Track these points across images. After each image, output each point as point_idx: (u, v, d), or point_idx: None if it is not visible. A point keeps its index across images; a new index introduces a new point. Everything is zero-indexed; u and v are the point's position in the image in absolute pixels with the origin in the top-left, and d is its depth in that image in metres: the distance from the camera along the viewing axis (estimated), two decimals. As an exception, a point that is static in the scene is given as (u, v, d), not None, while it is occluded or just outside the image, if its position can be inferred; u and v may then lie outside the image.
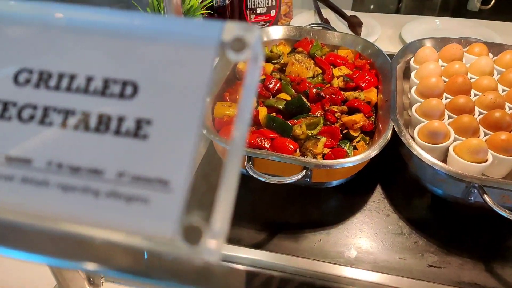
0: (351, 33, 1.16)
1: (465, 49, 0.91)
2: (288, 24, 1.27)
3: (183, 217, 0.18)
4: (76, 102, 0.21)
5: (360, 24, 1.19)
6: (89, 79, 0.22)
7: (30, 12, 0.23)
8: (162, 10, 1.06)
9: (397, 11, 1.98)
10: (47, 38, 0.23)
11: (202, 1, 1.07)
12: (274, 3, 1.21)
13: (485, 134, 0.68)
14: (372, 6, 1.91)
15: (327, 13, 1.27)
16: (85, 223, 0.19)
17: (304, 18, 1.27)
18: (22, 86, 0.22)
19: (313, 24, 1.09)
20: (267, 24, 1.24)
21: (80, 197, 0.20)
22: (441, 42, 0.93)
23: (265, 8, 1.21)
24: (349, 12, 1.25)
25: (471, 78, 0.82)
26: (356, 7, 1.42)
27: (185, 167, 0.19)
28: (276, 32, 1.01)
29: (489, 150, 0.64)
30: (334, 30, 1.05)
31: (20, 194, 0.20)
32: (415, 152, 0.64)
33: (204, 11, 1.07)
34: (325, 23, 1.19)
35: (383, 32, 1.19)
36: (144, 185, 0.19)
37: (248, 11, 1.21)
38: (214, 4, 1.13)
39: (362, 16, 1.22)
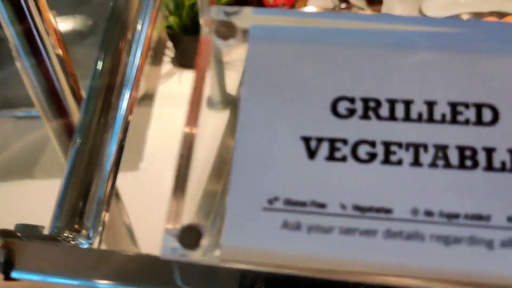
0: (375, 11, 1.13)
1: (502, 23, 0.91)
2: (305, 6, 1.23)
3: None
4: (422, 133, 0.18)
5: (380, 1, 1.17)
6: (430, 104, 0.18)
7: (345, 28, 0.19)
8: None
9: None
10: (364, 58, 0.19)
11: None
12: (291, -16, 1.16)
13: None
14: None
15: (341, -9, 1.24)
16: (480, 277, 0.16)
17: (320, -2, 1.23)
18: (345, 118, 0.18)
19: (340, 4, 1.06)
20: (285, 7, 1.19)
21: (468, 249, 0.17)
22: (477, 17, 0.93)
23: (282, -11, 1.16)
24: (365, -11, 1.22)
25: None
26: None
27: None
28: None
29: None
30: (363, 9, 1.03)
31: (387, 249, 0.17)
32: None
33: (230, -3, 1.02)
34: (346, 2, 1.16)
35: (400, 8, 1.18)
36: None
37: (265, -6, 1.16)
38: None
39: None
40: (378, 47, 0.19)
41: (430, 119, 0.18)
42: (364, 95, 0.19)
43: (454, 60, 0.19)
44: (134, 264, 0.19)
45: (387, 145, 0.18)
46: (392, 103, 0.18)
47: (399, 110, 0.18)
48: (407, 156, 0.18)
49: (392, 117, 0.18)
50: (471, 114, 0.18)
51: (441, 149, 0.18)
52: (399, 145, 0.18)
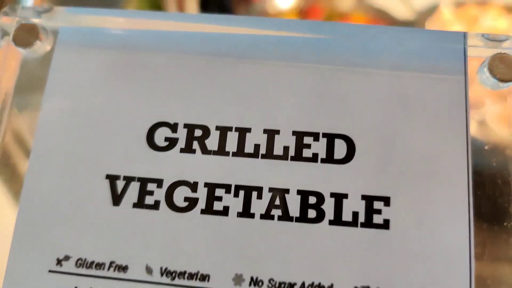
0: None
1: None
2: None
3: None
4: (257, 173, 0.14)
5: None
6: (272, 134, 0.14)
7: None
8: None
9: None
10: (193, 71, 0.15)
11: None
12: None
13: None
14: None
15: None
16: None
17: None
18: (163, 151, 0.14)
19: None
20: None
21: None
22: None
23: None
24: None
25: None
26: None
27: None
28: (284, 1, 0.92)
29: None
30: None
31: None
32: None
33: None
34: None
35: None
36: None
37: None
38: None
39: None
40: (211, 57, 0.15)
41: (269, 154, 0.14)
42: (189, 121, 0.14)
43: (305, 75, 0.14)
44: None
45: (211, 188, 0.14)
46: (223, 131, 0.14)
47: (231, 142, 0.14)
48: (235, 204, 0.14)
49: (221, 150, 0.14)
50: (321, 147, 0.14)
51: (279, 194, 0.14)
52: (227, 188, 0.14)
